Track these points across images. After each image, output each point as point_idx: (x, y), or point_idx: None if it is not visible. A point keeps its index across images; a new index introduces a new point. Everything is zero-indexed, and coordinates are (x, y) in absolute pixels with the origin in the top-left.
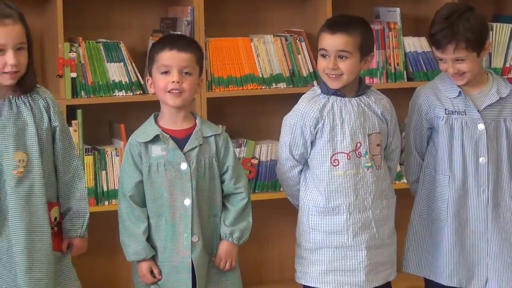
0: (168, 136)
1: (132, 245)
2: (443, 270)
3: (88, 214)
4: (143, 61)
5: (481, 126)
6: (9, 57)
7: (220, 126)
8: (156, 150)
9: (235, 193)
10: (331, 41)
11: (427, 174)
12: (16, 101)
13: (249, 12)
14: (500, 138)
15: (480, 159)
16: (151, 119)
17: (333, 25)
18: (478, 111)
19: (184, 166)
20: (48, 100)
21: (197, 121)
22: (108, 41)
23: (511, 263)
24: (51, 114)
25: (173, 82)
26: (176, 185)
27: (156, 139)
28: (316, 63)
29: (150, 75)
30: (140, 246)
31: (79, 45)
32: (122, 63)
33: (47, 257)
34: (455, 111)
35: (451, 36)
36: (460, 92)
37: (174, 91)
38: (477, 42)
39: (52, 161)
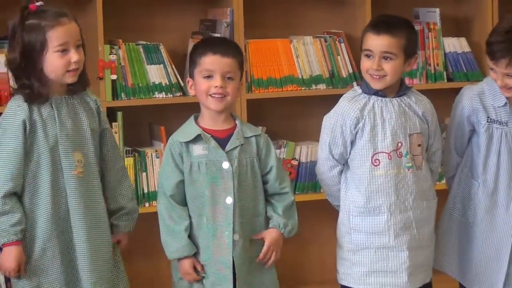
0: (209, 135)
1: (173, 243)
2: (468, 273)
3: (137, 212)
4: (183, 63)
5: None
6: (73, 55)
7: (260, 127)
8: (198, 149)
9: (281, 193)
10: (376, 42)
11: (464, 173)
12: (72, 100)
13: (288, 13)
14: None
15: None
16: (191, 120)
17: (378, 26)
18: None
19: (226, 165)
20: (97, 101)
21: (237, 122)
22: (148, 43)
23: None
24: (101, 115)
25: (216, 87)
26: (218, 184)
27: (197, 138)
28: (356, 64)
29: (191, 77)
30: (182, 243)
31: (119, 47)
32: (162, 65)
33: (109, 254)
34: (497, 121)
35: (507, 51)
36: (506, 102)
37: (217, 95)
38: None
39: (99, 162)
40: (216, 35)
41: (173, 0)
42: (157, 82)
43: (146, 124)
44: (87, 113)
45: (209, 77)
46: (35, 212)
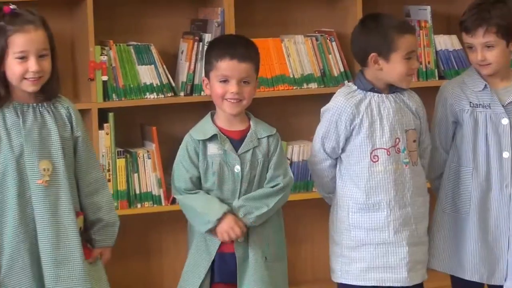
0: (225, 137)
1: (212, 207)
2: (466, 265)
3: (118, 223)
4: (174, 63)
5: (505, 121)
6: (31, 64)
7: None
8: (213, 148)
9: (271, 186)
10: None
11: (452, 168)
12: (40, 108)
13: (279, 12)
14: None
15: (504, 154)
16: (208, 118)
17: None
18: (503, 106)
19: (237, 168)
20: (70, 109)
21: (251, 122)
22: (139, 43)
23: None
24: (73, 123)
25: (232, 92)
26: (227, 185)
27: (213, 137)
28: (347, 62)
29: (206, 76)
30: (218, 203)
31: (110, 48)
32: (153, 66)
33: (78, 265)
34: (479, 104)
35: (482, 20)
36: (486, 85)
37: (232, 100)
38: (508, 30)
39: (73, 171)
40: (207, 34)
41: (164, 0)
42: (148, 83)
43: (137, 125)
44: (57, 121)
45: (225, 81)
46: (2, 222)
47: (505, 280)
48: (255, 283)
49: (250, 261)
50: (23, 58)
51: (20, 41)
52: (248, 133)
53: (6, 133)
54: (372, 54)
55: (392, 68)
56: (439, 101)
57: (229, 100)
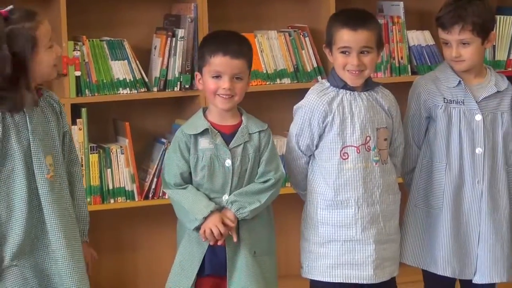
0: (217, 131)
1: (199, 203)
2: (439, 260)
3: (89, 219)
4: (147, 59)
5: (478, 117)
6: (57, 48)
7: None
8: (204, 142)
9: (261, 181)
10: (354, 38)
11: (424, 163)
12: (41, 103)
13: (252, 8)
14: (496, 131)
15: (477, 150)
16: (200, 113)
17: (353, 21)
18: (476, 102)
19: (228, 162)
20: (60, 103)
21: (243, 117)
22: (112, 39)
23: (501, 257)
24: (63, 117)
25: (224, 88)
26: (218, 180)
27: (204, 132)
28: (321, 58)
29: (199, 70)
30: (206, 200)
31: (83, 44)
32: (126, 61)
33: (82, 257)
34: (453, 100)
35: (459, 17)
36: (460, 81)
37: (225, 96)
38: (483, 28)
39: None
40: (180, 30)
41: None
42: (121, 78)
43: (110, 120)
44: (53, 116)
45: (217, 77)
46: (11, 214)
47: (474, 274)
48: (244, 277)
49: (240, 254)
50: (51, 47)
51: (46, 30)
52: (240, 128)
53: (15, 128)
54: (324, 45)
55: (334, 61)
56: (412, 96)
57: (221, 95)
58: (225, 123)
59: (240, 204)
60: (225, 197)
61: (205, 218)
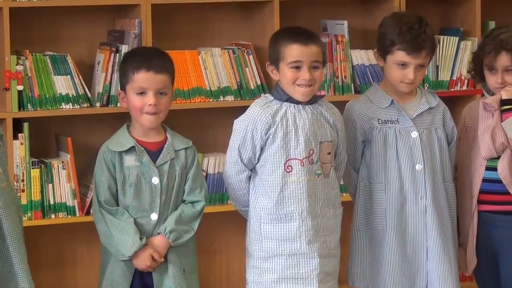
0: (143, 149)
1: (128, 237)
2: (387, 280)
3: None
4: (90, 74)
5: (414, 134)
6: None
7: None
8: (130, 160)
9: (191, 201)
10: (305, 52)
11: (362, 186)
12: None
13: (196, 24)
14: (433, 146)
15: (417, 166)
16: (124, 130)
17: (302, 36)
18: (411, 119)
19: (155, 180)
20: None
21: (167, 134)
22: (55, 54)
23: (450, 271)
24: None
25: (150, 105)
26: (145, 198)
27: (130, 149)
28: (264, 75)
29: (122, 89)
30: (137, 236)
31: (26, 58)
32: (69, 76)
33: None
34: (388, 120)
35: (425, 42)
36: (392, 100)
37: (151, 113)
38: (434, 52)
39: None
40: (124, 46)
41: (81, 11)
42: (64, 93)
43: (52, 135)
44: None
45: (142, 93)
46: None
47: None
48: None
49: (169, 274)
50: None
51: None
52: (165, 145)
53: None
54: (267, 63)
55: (282, 77)
56: (347, 122)
57: (148, 113)
58: (150, 140)
59: (178, 233)
60: (154, 216)
61: (132, 256)
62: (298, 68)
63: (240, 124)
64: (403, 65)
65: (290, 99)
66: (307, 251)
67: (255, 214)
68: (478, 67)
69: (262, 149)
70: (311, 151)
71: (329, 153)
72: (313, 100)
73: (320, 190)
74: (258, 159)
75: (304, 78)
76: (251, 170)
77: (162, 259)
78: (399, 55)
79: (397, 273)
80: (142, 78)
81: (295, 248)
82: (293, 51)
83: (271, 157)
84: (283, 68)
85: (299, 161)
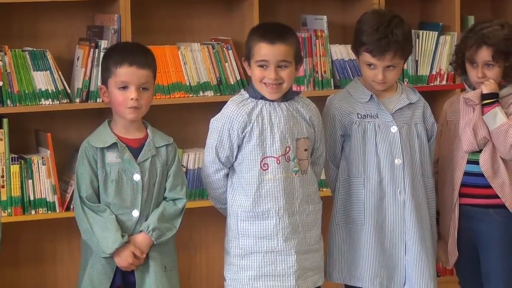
0: (125, 145)
1: (110, 234)
2: (365, 274)
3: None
4: (70, 69)
5: (394, 128)
6: None
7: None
8: (111, 156)
9: (173, 198)
10: (271, 51)
11: (341, 180)
12: None
13: (176, 20)
14: (413, 141)
15: (396, 161)
16: (105, 126)
17: (270, 35)
18: (390, 114)
19: (137, 177)
20: None
21: (148, 130)
22: (34, 49)
23: (427, 265)
24: None
25: (132, 99)
26: (126, 194)
27: (112, 146)
28: (244, 71)
29: (104, 83)
30: (119, 233)
31: (5, 54)
32: (48, 72)
33: None
34: (367, 115)
35: (390, 45)
36: (371, 95)
37: (132, 107)
38: (408, 51)
39: None
40: (104, 41)
41: (59, 6)
42: (43, 89)
43: (32, 131)
44: None
45: (124, 88)
46: None
47: (404, 285)
48: None
49: (151, 271)
50: None
51: None
52: (146, 142)
53: None
54: (243, 58)
55: (252, 75)
56: (326, 117)
57: (129, 107)
58: (131, 136)
59: (160, 231)
60: (135, 212)
61: (114, 253)
62: (264, 67)
63: (216, 123)
64: (371, 65)
65: (264, 97)
66: (284, 248)
67: (233, 212)
68: (460, 60)
69: (239, 147)
70: (287, 149)
71: (305, 150)
72: (288, 96)
73: (299, 187)
74: (236, 157)
75: (269, 77)
76: (229, 168)
77: (144, 256)
78: (366, 56)
79: (375, 267)
80: (124, 72)
81: (272, 245)
82: (261, 50)
83: (247, 155)
84: (252, 65)
85: (275, 159)
